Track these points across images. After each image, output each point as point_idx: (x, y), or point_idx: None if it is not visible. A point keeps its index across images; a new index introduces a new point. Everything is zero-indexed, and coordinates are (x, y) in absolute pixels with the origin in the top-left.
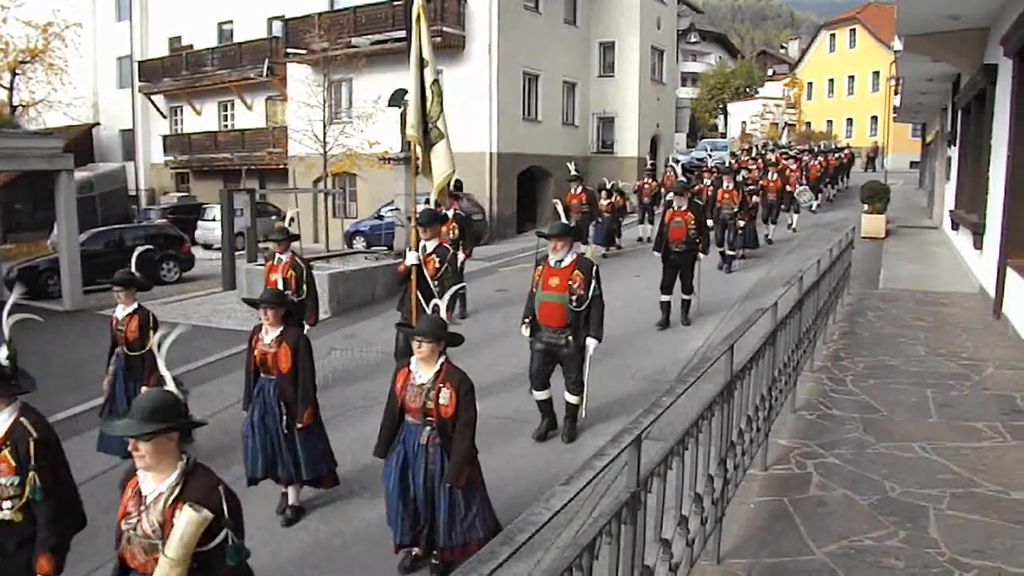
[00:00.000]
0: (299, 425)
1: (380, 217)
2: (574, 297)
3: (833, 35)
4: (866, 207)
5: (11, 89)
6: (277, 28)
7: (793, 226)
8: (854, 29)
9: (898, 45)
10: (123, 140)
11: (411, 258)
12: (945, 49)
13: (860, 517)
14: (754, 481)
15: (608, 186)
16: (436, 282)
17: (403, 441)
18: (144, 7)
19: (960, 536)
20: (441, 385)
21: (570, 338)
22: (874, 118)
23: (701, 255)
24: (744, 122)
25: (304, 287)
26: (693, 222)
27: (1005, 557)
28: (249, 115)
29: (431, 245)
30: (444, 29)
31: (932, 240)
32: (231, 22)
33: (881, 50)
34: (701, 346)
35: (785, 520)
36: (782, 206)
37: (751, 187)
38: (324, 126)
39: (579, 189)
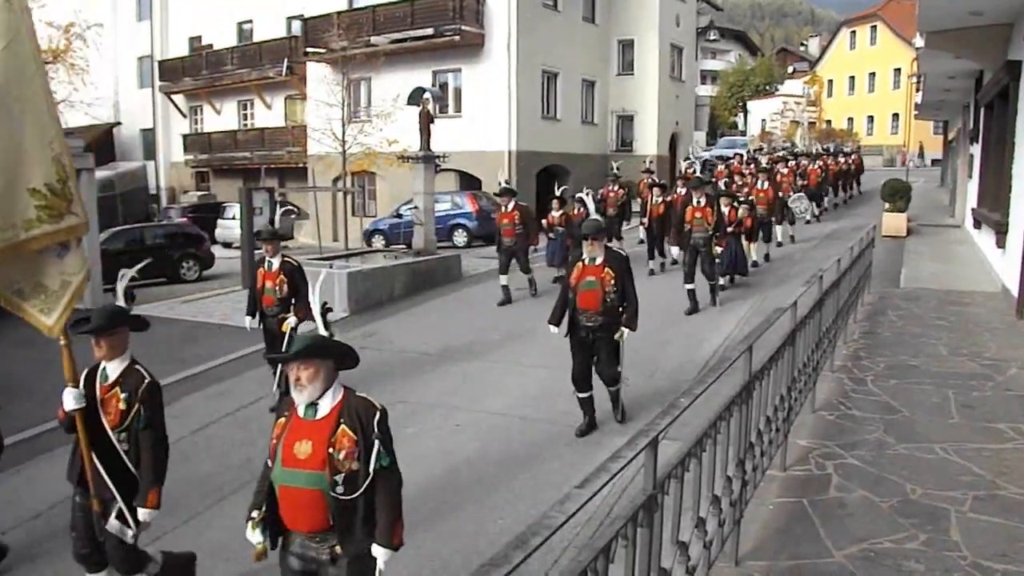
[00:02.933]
0: None
1: (399, 215)
2: (340, 477)
3: (854, 32)
4: (887, 206)
5: None
6: (296, 27)
7: (780, 240)
8: (875, 26)
9: (920, 42)
10: (144, 139)
11: (69, 400)
12: (967, 45)
13: (880, 519)
14: (773, 482)
15: (559, 193)
16: (122, 436)
17: None
18: (164, 7)
19: (982, 539)
20: None
21: (338, 549)
22: (895, 115)
23: (625, 330)
24: (764, 120)
25: None
26: (613, 282)
27: None
28: (268, 114)
29: (114, 370)
30: (463, 28)
31: (954, 239)
32: (251, 21)
33: (902, 47)
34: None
35: (804, 522)
36: (773, 218)
37: (743, 200)
38: (343, 125)
39: (511, 206)
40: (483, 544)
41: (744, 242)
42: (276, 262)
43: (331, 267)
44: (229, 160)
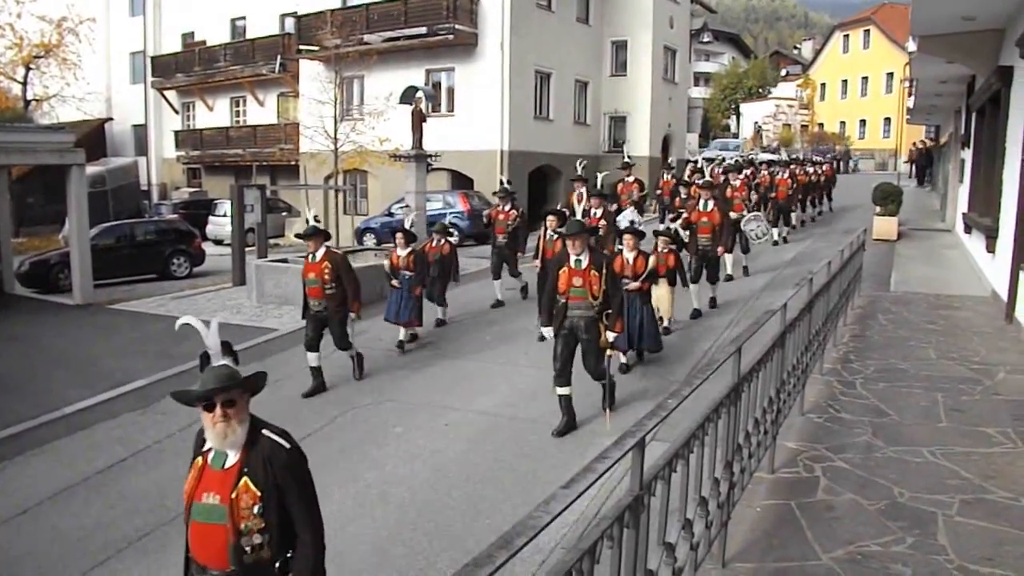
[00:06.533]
0: None
1: (391, 214)
2: None
3: (847, 36)
4: (878, 209)
5: (25, 84)
6: (289, 24)
7: (729, 272)
8: (868, 30)
9: (912, 46)
10: (135, 135)
11: None
12: (960, 50)
13: (868, 522)
14: (761, 484)
15: (408, 223)
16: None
17: None
18: (157, 3)
19: (969, 543)
20: None
21: None
22: (887, 120)
23: None
24: (757, 122)
25: None
26: (258, 508)
27: (1015, 565)
28: (261, 111)
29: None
30: (456, 27)
31: (945, 243)
32: (244, 18)
33: (895, 51)
34: None
35: (792, 524)
36: (719, 249)
37: (668, 230)
38: (336, 123)
39: (319, 254)
40: (471, 543)
41: (665, 291)
42: None
43: None
44: (221, 157)
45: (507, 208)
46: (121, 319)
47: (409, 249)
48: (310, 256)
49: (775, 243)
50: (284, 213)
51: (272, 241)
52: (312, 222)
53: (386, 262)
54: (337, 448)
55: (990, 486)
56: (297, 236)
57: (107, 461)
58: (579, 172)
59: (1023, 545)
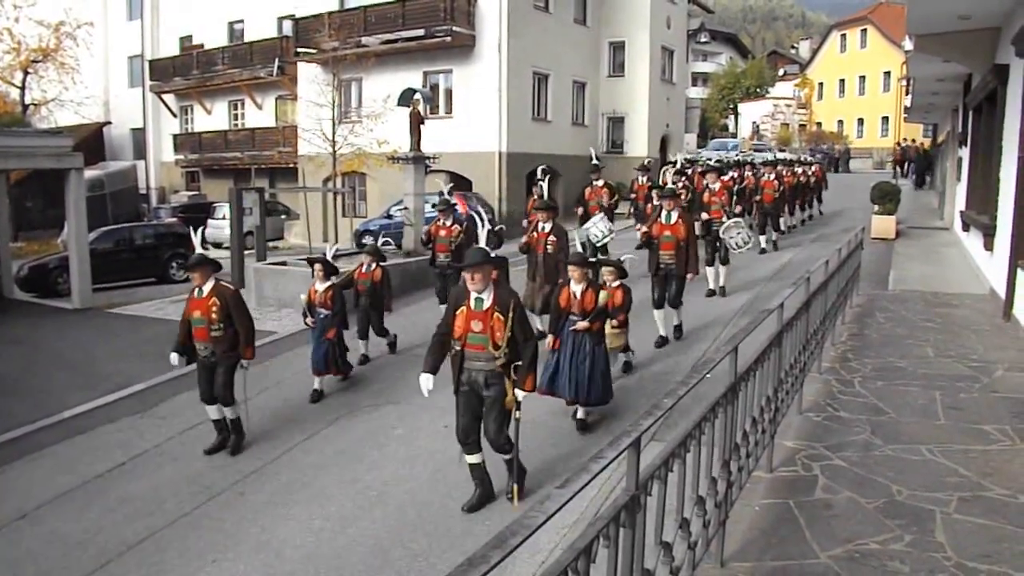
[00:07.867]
0: None
1: (389, 216)
2: None
3: (844, 35)
4: (876, 208)
5: (23, 88)
6: (287, 27)
7: (722, 283)
8: (865, 29)
9: (909, 45)
10: (134, 139)
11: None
12: (956, 49)
13: (866, 520)
14: (759, 483)
15: (328, 253)
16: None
17: None
18: (155, 6)
19: (967, 540)
20: None
21: None
22: (885, 118)
23: None
24: (755, 122)
25: None
26: None
27: (1013, 562)
28: (259, 114)
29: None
30: (454, 28)
31: (942, 241)
32: (241, 21)
33: (892, 50)
34: None
35: (790, 523)
36: (689, 275)
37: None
38: (334, 125)
39: (207, 287)
40: (470, 544)
41: (614, 334)
42: None
43: None
44: (219, 160)
45: (448, 223)
46: (120, 323)
47: (328, 283)
48: (195, 291)
49: (763, 251)
50: (283, 216)
51: (271, 244)
52: (200, 249)
53: (303, 296)
54: (337, 450)
55: (988, 483)
56: (182, 268)
57: (106, 465)
58: (539, 176)
59: (1020, 542)
